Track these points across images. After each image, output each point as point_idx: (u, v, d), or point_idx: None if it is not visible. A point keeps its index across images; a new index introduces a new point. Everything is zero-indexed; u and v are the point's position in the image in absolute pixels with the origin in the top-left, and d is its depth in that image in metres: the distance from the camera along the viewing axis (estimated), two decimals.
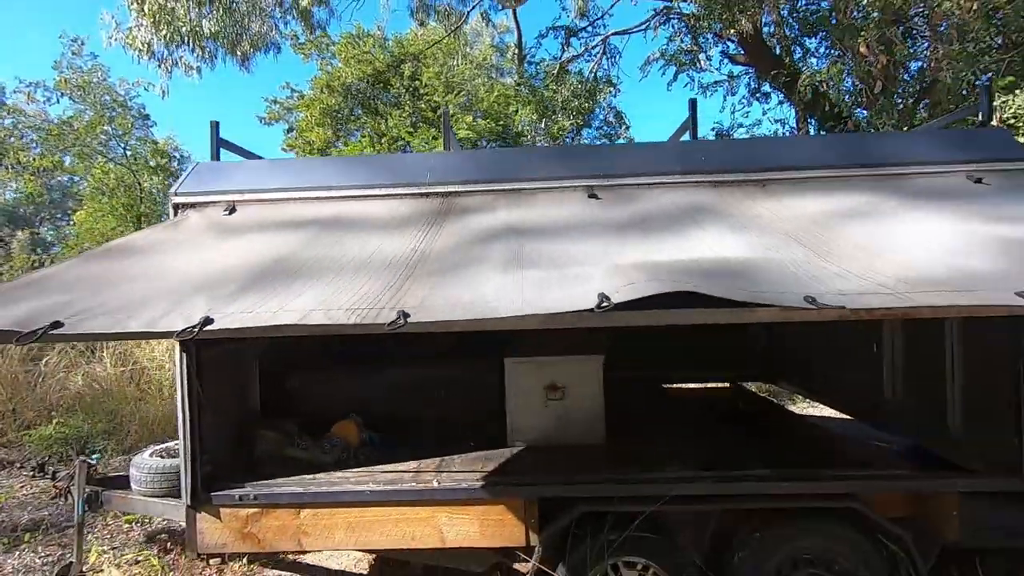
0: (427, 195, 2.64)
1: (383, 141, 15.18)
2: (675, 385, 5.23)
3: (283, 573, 3.66)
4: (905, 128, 6.62)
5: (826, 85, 6.08)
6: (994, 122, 4.48)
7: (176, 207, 2.65)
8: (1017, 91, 4.37)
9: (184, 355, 2.55)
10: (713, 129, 10.35)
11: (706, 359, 5.00)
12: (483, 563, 2.81)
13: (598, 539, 2.54)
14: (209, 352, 2.72)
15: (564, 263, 1.77)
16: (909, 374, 3.27)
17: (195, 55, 7.82)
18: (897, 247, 1.75)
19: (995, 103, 4.48)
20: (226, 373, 3.03)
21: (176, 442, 4.38)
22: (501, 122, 15.59)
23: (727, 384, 5.22)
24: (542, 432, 3.16)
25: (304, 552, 2.73)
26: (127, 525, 4.49)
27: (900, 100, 5.93)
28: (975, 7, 5.32)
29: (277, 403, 3.52)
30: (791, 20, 8.07)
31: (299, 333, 1.43)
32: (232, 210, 2.60)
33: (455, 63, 13.94)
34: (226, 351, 2.98)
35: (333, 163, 4.03)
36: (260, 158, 3.17)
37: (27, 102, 15.42)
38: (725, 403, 4.64)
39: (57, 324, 1.37)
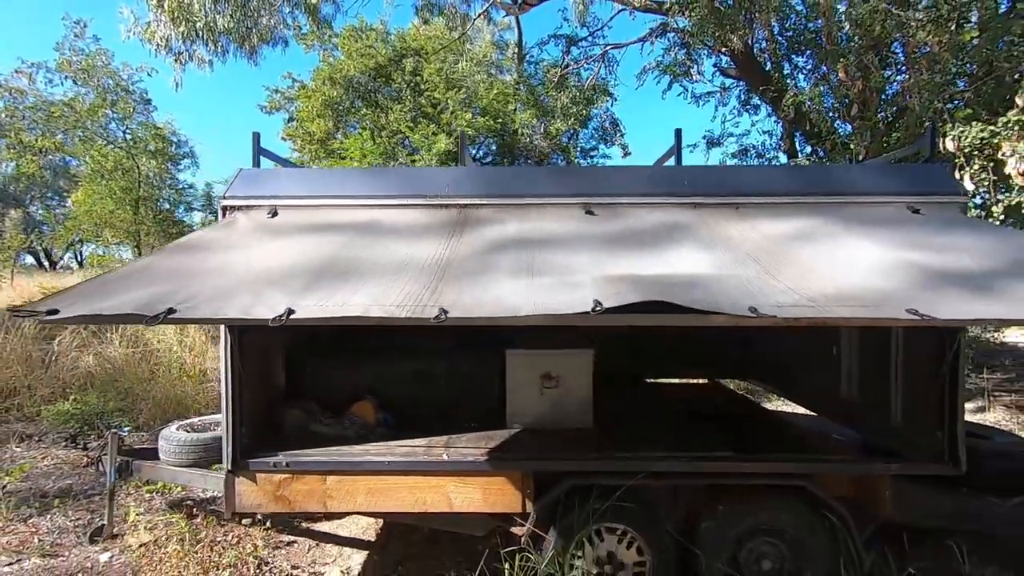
0: (446, 206, 3.03)
1: (383, 134, 15.47)
2: (658, 380, 5.67)
3: (298, 539, 4.06)
4: (884, 143, 7.10)
5: (807, 105, 6.53)
6: (951, 148, 4.95)
7: (224, 209, 3.02)
8: (974, 123, 4.83)
9: (229, 339, 2.92)
10: (704, 137, 10.81)
11: (687, 357, 5.46)
12: (484, 528, 3.21)
13: (584, 508, 2.95)
14: (246, 338, 3.09)
15: (565, 272, 2.16)
16: (862, 376, 3.72)
17: (208, 49, 8.11)
18: (830, 267, 2.17)
19: (954, 132, 4.95)
20: (258, 357, 3.40)
21: (199, 418, 4.78)
22: (499, 120, 15.94)
23: (705, 380, 5.68)
24: (538, 416, 3.57)
25: (328, 513, 3.11)
26: (148, 494, 4.85)
27: (874, 122, 6.39)
28: (944, 39, 5.79)
29: (299, 386, 3.90)
30: (781, 38, 8.49)
31: (362, 323, 1.80)
32: (274, 213, 2.97)
33: (459, 64, 14.19)
34: (258, 338, 3.36)
35: (363, 174, 4.40)
36: (295, 166, 3.53)
37: (28, 83, 15.48)
38: (702, 397, 5.08)
39: (172, 311, 1.74)
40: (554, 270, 2.16)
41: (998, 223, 4.85)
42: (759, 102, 9.97)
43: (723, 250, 2.38)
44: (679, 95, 10.24)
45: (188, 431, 4.16)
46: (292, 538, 4.07)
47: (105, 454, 4.13)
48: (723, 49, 7.98)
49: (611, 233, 2.67)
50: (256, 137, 3.27)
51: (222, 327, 2.91)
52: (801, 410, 4.85)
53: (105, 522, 4.10)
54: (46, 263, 32.00)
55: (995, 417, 7.09)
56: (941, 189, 2.95)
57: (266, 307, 1.78)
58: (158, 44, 7.49)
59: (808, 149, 9.56)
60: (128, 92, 16.32)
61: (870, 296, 1.86)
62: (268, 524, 3.94)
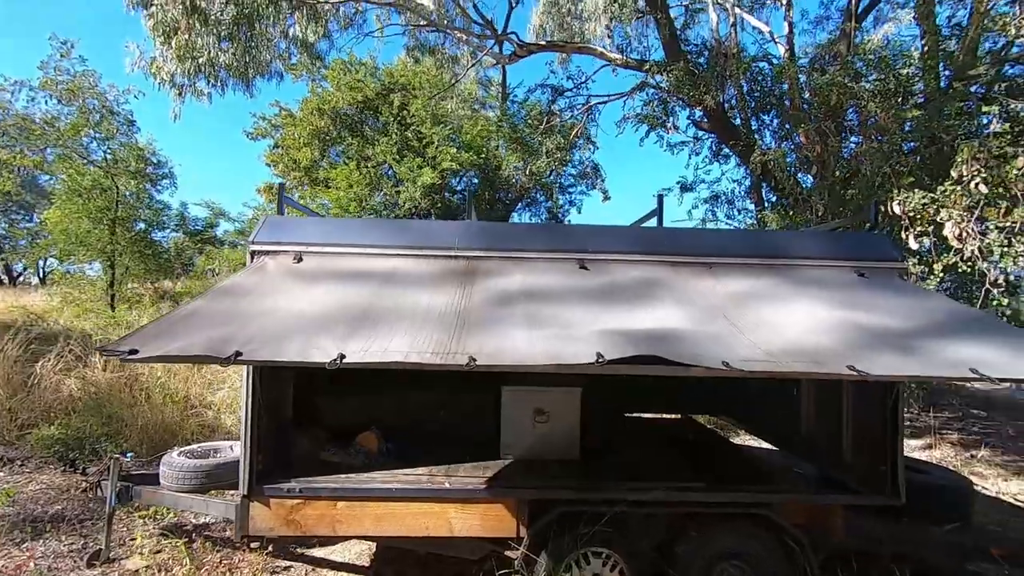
0: (456, 257, 3.39)
1: (368, 165, 15.85)
2: (636, 415, 6.05)
3: (294, 563, 4.22)
4: (841, 199, 7.78)
5: (772, 164, 7.17)
6: (898, 211, 5.57)
7: (253, 254, 3.32)
8: (916, 189, 5.45)
9: (251, 374, 3.18)
10: (678, 183, 11.49)
11: (664, 394, 5.87)
12: (479, 552, 3.48)
13: (573, 533, 3.26)
14: (264, 372, 3.35)
15: (567, 324, 2.53)
16: (818, 415, 4.16)
17: (208, 83, 8.40)
18: (786, 324, 2.60)
19: (900, 197, 5.57)
20: (271, 390, 3.65)
21: (199, 444, 4.95)
22: (482, 155, 16.52)
23: (679, 416, 6.08)
24: (529, 448, 3.89)
25: (336, 537, 3.32)
26: (140, 520, 4.94)
27: (831, 181, 7.05)
28: (891, 112, 6.50)
29: (307, 417, 4.14)
30: (750, 98, 9.25)
31: (402, 367, 2.11)
32: (299, 259, 3.28)
33: (445, 102, 14.75)
34: (273, 372, 3.62)
35: (381, 225, 4.76)
36: (317, 214, 3.85)
37: (10, 99, 15.45)
38: (677, 431, 5.46)
39: (239, 353, 2.02)
40: (557, 322, 2.53)
41: (938, 281, 5.45)
42: (729, 153, 10.70)
43: (697, 306, 2.79)
44: (655, 143, 10.94)
45: (190, 457, 4.34)
46: (289, 563, 4.24)
47: (105, 479, 4.26)
48: (698, 105, 8.65)
49: (603, 286, 3.06)
50: (281, 188, 3.59)
51: (246, 370, 3.17)
52: (766, 445, 5.26)
53: (102, 546, 4.20)
54: (5, 278, 31.00)
55: (941, 454, 7.66)
56: (883, 256, 3.46)
57: (319, 351, 2.08)
58: (163, 79, 7.76)
59: (773, 198, 10.31)
60: (113, 113, 16.37)
61: (818, 352, 2.27)
62: (268, 549, 4.12)
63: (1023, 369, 2.18)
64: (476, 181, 17.80)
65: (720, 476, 3.74)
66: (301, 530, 3.27)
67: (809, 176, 9.19)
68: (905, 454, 6.46)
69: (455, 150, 15.61)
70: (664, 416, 6.14)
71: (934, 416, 9.69)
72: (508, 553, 3.36)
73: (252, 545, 4.09)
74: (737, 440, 6.64)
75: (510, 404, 3.92)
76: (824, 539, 3.48)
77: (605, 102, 9.72)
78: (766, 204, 10.30)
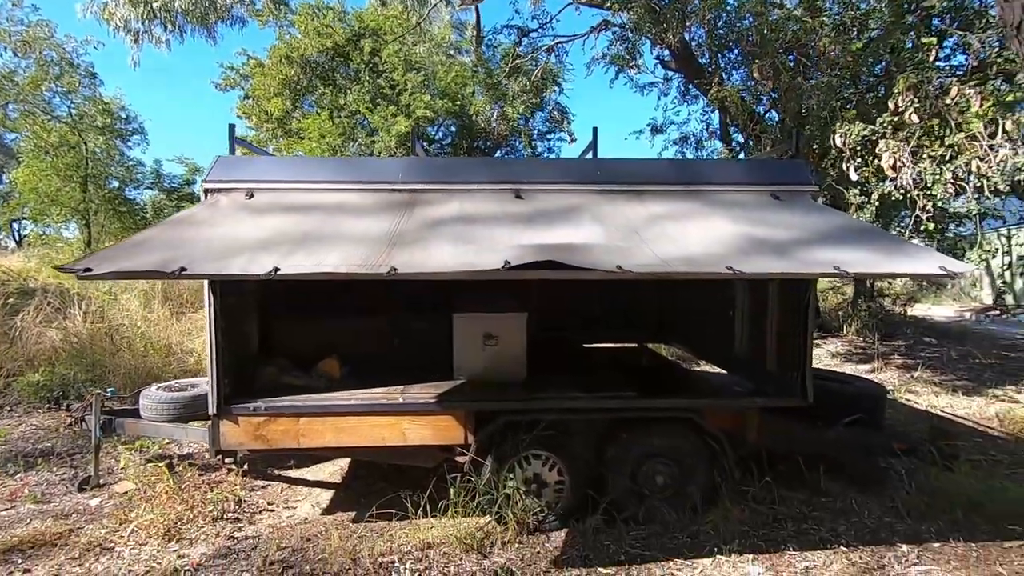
0: (400, 191, 3.60)
1: (341, 115, 15.63)
2: (594, 345, 6.41)
3: (271, 482, 4.61)
4: (800, 133, 7.96)
5: (728, 100, 7.29)
6: (840, 144, 5.80)
7: (206, 191, 3.51)
8: (857, 122, 5.67)
9: (213, 301, 3.43)
10: (649, 125, 11.56)
11: (620, 324, 6.22)
12: (433, 460, 3.86)
13: (515, 438, 3.62)
14: (227, 301, 3.60)
15: (489, 241, 2.78)
16: (750, 334, 4.52)
17: (166, 29, 8.22)
18: (689, 238, 2.87)
19: (842, 130, 5.79)
20: (236, 319, 3.91)
21: (176, 381, 5.25)
22: (458, 102, 16.30)
23: (635, 345, 6.46)
24: (480, 369, 4.22)
25: (301, 449, 3.66)
26: (128, 452, 5.29)
27: (787, 116, 7.22)
28: (842, 47, 6.62)
29: (272, 346, 4.43)
30: (715, 36, 9.24)
31: (332, 278, 2.35)
32: (251, 195, 3.48)
33: (417, 47, 14.44)
34: (237, 301, 3.87)
35: (328, 163, 4.92)
36: (267, 153, 4.01)
37: None
38: (629, 357, 5.83)
39: (184, 269, 2.26)
40: (482, 240, 2.78)
41: (874, 209, 5.74)
42: (697, 93, 10.75)
43: (616, 225, 3.06)
44: (625, 84, 10.96)
45: (167, 391, 4.64)
46: (266, 482, 4.62)
47: (89, 413, 4.56)
48: (661, 43, 8.66)
49: (534, 212, 3.31)
50: (231, 128, 3.74)
51: (206, 292, 3.41)
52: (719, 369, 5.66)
53: (91, 473, 4.54)
54: None
55: (886, 376, 8.19)
56: (798, 180, 3.72)
57: (259, 266, 2.32)
58: (116, 25, 7.59)
59: (741, 139, 10.46)
60: (73, 66, 15.87)
61: (706, 257, 2.56)
62: (244, 468, 4.48)
63: (879, 266, 2.49)
64: (454, 129, 17.65)
65: (656, 389, 4.11)
66: (268, 444, 3.60)
67: (774, 113, 9.34)
68: (838, 370, 6.93)
69: (429, 97, 15.40)
70: (622, 346, 6.52)
71: (887, 344, 10.27)
72: (458, 459, 3.73)
73: (230, 467, 4.45)
74: (699, 368, 7.06)
75: (461, 330, 4.22)
76: (742, 440, 3.89)
77: (567, 41, 9.67)
78: (733, 144, 10.45)
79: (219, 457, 3.97)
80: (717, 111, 10.13)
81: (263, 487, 4.54)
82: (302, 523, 3.83)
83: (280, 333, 4.56)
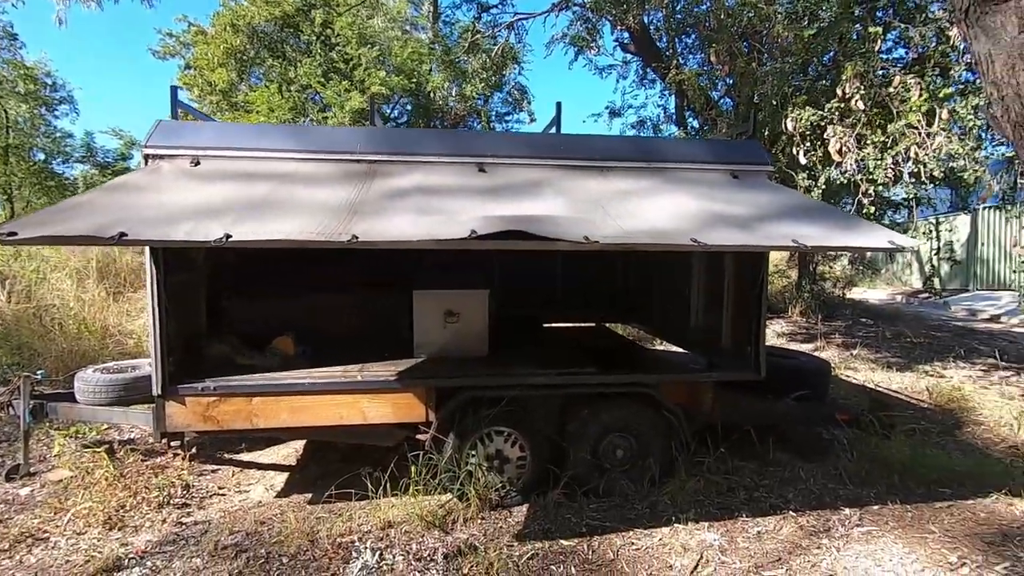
0: (359, 161, 3.45)
1: (292, 89, 14.97)
2: (555, 324, 6.45)
3: (221, 467, 4.42)
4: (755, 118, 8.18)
5: (686, 84, 7.40)
6: (791, 128, 5.97)
7: (147, 157, 3.26)
8: (807, 107, 5.85)
9: (155, 274, 3.21)
10: (607, 108, 11.62)
11: (578, 304, 6.27)
12: (394, 439, 3.79)
13: (477, 415, 3.60)
14: (171, 277, 3.40)
15: (454, 212, 2.71)
16: (704, 310, 4.63)
17: None
18: (654, 212, 2.90)
19: (793, 115, 5.96)
20: (182, 295, 3.70)
21: (115, 363, 4.95)
22: (414, 80, 15.89)
23: (594, 324, 6.54)
24: (441, 346, 4.16)
25: (255, 430, 3.51)
26: (62, 439, 4.96)
27: (742, 100, 7.39)
28: (794, 34, 6.80)
29: (223, 323, 4.22)
30: (673, 20, 9.32)
31: (288, 246, 2.21)
32: (197, 163, 3.26)
33: (373, 20, 13.94)
34: (182, 276, 3.65)
35: (282, 130, 4.67)
36: (211, 119, 3.77)
37: None
38: (589, 336, 5.90)
39: (124, 234, 2.08)
40: (446, 211, 2.71)
41: (820, 192, 5.97)
42: (655, 77, 10.86)
43: (581, 199, 3.04)
44: (585, 66, 10.95)
45: (106, 373, 4.36)
46: (216, 466, 4.43)
47: (16, 398, 4.23)
48: (621, 26, 8.67)
49: (498, 185, 3.25)
50: (174, 91, 3.49)
51: (148, 264, 3.20)
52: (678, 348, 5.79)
53: (21, 462, 4.23)
54: None
55: (828, 354, 8.60)
56: (755, 160, 3.81)
57: (208, 232, 2.17)
58: None
59: (697, 124, 10.65)
60: None
61: (671, 231, 2.58)
62: (192, 452, 4.29)
63: (834, 240, 2.58)
64: (410, 108, 17.22)
65: (614, 366, 4.16)
66: (218, 425, 3.44)
67: (729, 99, 9.54)
68: (787, 348, 7.21)
69: (384, 74, 14.94)
70: (580, 325, 6.58)
71: (828, 325, 10.80)
72: (419, 437, 3.68)
73: (176, 451, 4.24)
74: (656, 347, 7.22)
75: (422, 307, 4.14)
76: (698, 414, 4.00)
77: (527, 18, 9.55)
78: (689, 128, 10.63)
79: (164, 441, 3.77)
80: (674, 96, 10.27)
81: (212, 471, 4.35)
82: (256, 507, 3.70)
83: (232, 310, 4.36)
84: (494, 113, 17.47)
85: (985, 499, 3.58)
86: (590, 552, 3.05)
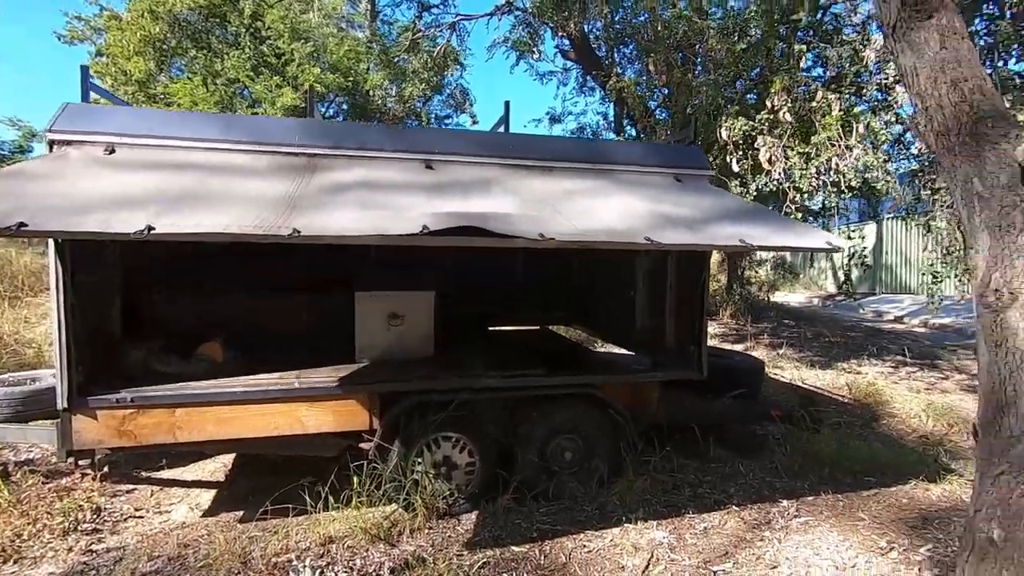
0: (296, 154, 3.24)
1: (218, 82, 14.14)
2: (500, 328, 6.38)
3: (138, 486, 4.03)
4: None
5: (625, 92, 7.59)
6: (725, 137, 6.23)
7: (52, 143, 2.91)
8: (740, 118, 6.13)
9: (60, 272, 2.87)
10: (547, 114, 11.74)
11: (523, 307, 6.24)
12: (334, 448, 3.58)
13: (424, 420, 3.47)
14: (79, 276, 3.05)
15: (402, 208, 2.59)
16: (648, 312, 4.71)
17: None
18: (605, 212, 2.90)
19: (727, 125, 6.22)
20: (92, 296, 3.34)
21: (10, 375, 4.44)
22: (351, 78, 15.41)
23: (539, 327, 6.53)
24: (385, 350, 3.99)
25: (178, 444, 3.20)
26: None
27: (677, 109, 7.66)
28: (727, 48, 7.13)
29: (143, 327, 3.85)
30: (612, 29, 9.55)
31: (218, 240, 1.99)
32: (112, 150, 2.94)
33: (307, 15, 13.42)
34: (92, 276, 3.30)
35: (212, 119, 4.33)
36: (125, 103, 3.43)
37: None
38: (535, 339, 5.87)
39: (23, 224, 1.81)
40: (394, 207, 2.58)
41: (752, 199, 6.26)
42: (595, 85, 11.08)
43: (530, 198, 3.00)
44: (526, 71, 11.03)
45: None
46: (132, 486, 4.04)
47: None
48: (562, 32, 8.78)
49: (446, 182, 3.15)
50: (84, 71, 3.15)
51: (51, 260, 2.85)
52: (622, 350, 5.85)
53: None
54: None
55: (757, 354, 9.02)
56: (697, 165, 3.92)
57: (125, 224, 1.94)
58: None
59: (635, 133, 10.96)
60: None
61: (625, 230, 2.59)
62: (103, 471, 3.88)
63: (777, 240, 2.68)
64: (346, 107, 16.69)
65: (561, 368, 4.14)
66: (136, 440, 3.12)
67: (666, 109, 9.88)
68: (722, 348, 7.48)
69: (319, 71, 14.39)
70: (527, 328, 6.55)
71: (756, 326, 11.37)
72: (363, 445, 3.50)
73: (85, 471, 3.83)
74: (602, 349, 7.29)
75: (364, 309, 3.96)
76: (644, 414, 4.04)
77: (469, 18, 9.51)
78: (628, 136, 10.92)
79: (71, 460, 3.37)
80: (613, 104, 10.51)
81: (128, 492, 3.96)
82: (179, 528, 3.39)
83: (153, 313, 3.99)
84: (434, 115, 17.26)
85: (905, 486, 3.84)
86: (542, 557, 3.00)
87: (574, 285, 6.09)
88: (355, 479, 3.34)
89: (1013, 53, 6.35)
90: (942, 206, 5.85)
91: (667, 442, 4.02)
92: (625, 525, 3.29)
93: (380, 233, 2.14)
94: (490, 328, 6.27)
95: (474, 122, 13.91)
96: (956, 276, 6.78)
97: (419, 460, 3.48)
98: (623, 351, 5.50)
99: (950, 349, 9.49)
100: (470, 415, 3.58)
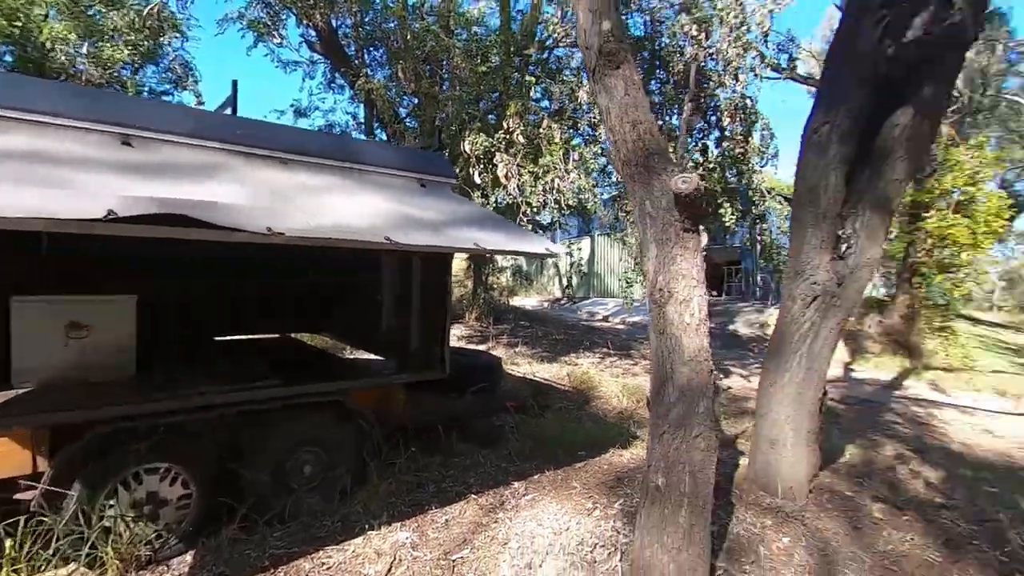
0: None
1: None
2: (232, 337, 5.64)
3: None
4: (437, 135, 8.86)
5: (375, 94, 7.54)
6: (468, 150, 6.67)
7: None
8: (482, 135, 6.64)
9: None
10: (292, 106, 10.92)
11: (261, 314, 5.63)
12: None
13: (119, 454, 2.82)
14: None
15: (88, 188, 2.06)
16: (394, 315, 4.71)
17: None
18: (346, 210, 2.81)
19: (469, 139, 6.67)
20: None
21: None
22: (18, 23, 11.85)
23: (279, 336, 5.98)
24: (61, 370, 3.14)
25: None
26: None
27: (425, 118, 7.92)
28: (470, 69, 7.65)
29: None
30: (361, 29, 9.37)
31: None
32: None
33: None
34: None
35: None
36: None
37: None
38: (275, 348, 5.35)
39: None
40: (76, 186, 2.03)
41: (492, 208, 6.83)
42: (344, 84, 10.72)
43: (263, 190, 2.71)
44: (266, 56, 10.07)
45: None
46: None
47: None
48: (307, 22, 8.26)
49: (149, 163, 2.62)
50: None
51: None
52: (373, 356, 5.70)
53: None
54: None
55: (497, 352, 9.86)
56: (442, 172, 4.08)
57: None
58: None
59: (384, 136, 10.92)
60: None
61: (365, 228, 2.53)
62: None
63: (508, 245, 2.96)
64: (11, 60, 12.76)
65: (303, 377, 3.84)
66: None
67: (415, 119, 10.10)
68: (465, 348, 7.94)
69: None
70: (266, 337, 5.93)
71: (497, 327, 12.42)
72: (21, 496, 2.69)
73: None
74: (348, 356, 6.98)
75: (26, 319, 3.05)
76: (390, 417, 4.02)
77: None
78: (377, 140, 10.83)
79: None
80: (363, 105, 10.33)
81: None
82: None
83: None
84: (148, 88, 14.44)
85: (606, 455, 4.61)
86: None
87: (319, 290, 5.76)
88: (9, 542, 2.54)
89: (673, 110, 8.28)
90: (631, 224, 7.27)
91: (412, 443, 4.07)
92: (368, 533, 3.20)
93: (44, 217, 1.64)
94: (220, 339, 5.52)
95: (199, 102, 12.04)
96: (642, 282, 8.52)
97: (111, 503, 2.82)
98: (371, 356, 5.41)
99: (640, 340, 11.88)
100: (183, 440, 3.06)
